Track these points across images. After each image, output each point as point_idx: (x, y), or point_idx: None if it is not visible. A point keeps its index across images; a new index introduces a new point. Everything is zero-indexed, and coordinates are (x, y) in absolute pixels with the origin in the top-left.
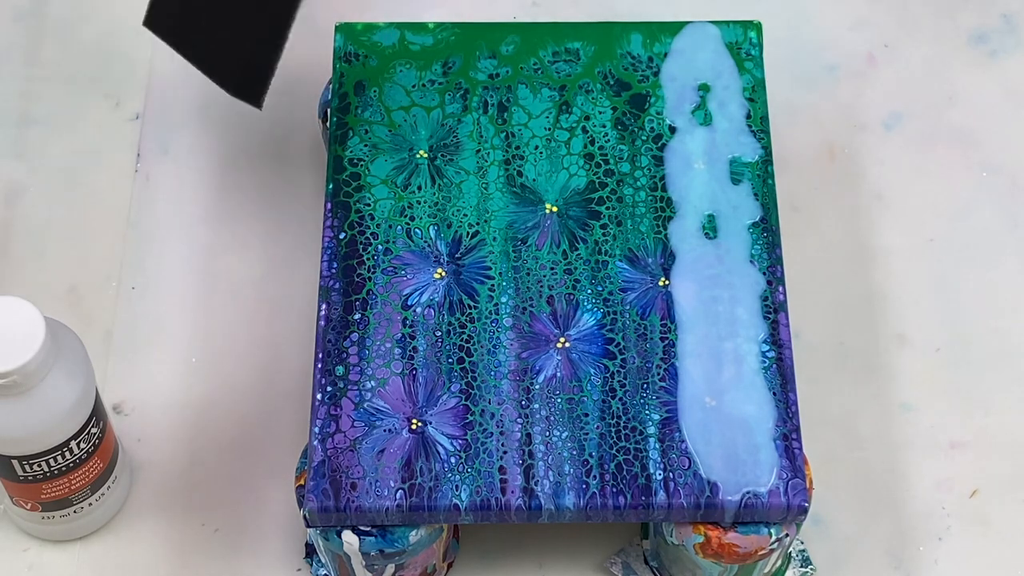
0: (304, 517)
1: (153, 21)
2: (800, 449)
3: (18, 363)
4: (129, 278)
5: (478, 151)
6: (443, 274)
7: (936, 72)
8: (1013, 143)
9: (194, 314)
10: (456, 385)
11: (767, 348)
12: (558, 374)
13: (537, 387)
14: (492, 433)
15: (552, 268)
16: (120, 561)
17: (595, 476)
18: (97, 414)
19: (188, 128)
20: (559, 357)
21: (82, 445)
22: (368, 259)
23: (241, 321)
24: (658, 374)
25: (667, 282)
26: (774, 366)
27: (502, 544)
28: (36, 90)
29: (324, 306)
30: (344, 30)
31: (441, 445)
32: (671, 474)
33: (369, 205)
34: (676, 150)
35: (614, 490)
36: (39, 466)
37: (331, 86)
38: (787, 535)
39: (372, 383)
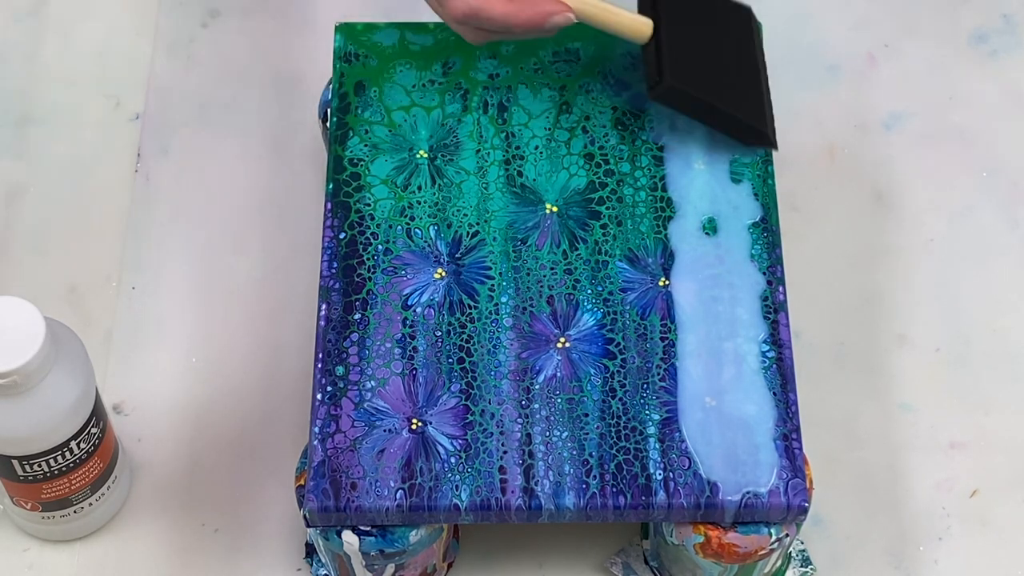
0: (304, 517)
1: (664, 94)
2: (800, 449)
3: (18, 363)
4: (129, 278)
5: (478, 151)
6: (443, 274)
7: (936, 72)
8: (1013, 143)
9: (194, 314)
10: (456, 385)
11: (767, 348)
12: (558, 374)
13: (537, 387)
14: (492, 433)
15: (552, 268)
16: (120, 561)
17: (595, 476)
18: (97, 414)
19: (188, 128)
20: (559, 357)
21: (82, 445)
22: (368, 259)
23: (241, 321)
24: (658, 374)
25: (667, 282)
26: (774, 366)
27: (502, 544)
28: (36, 90)
29: (324, 306)
30: (344, 30)
31: (441, 445)
32: (671, 474)
33: (369, 205)
34: (676, 150)
35: (614, 490)
36: (39, 466)
37: (331, 86)
38: (787, 535)
39: (372, 383)
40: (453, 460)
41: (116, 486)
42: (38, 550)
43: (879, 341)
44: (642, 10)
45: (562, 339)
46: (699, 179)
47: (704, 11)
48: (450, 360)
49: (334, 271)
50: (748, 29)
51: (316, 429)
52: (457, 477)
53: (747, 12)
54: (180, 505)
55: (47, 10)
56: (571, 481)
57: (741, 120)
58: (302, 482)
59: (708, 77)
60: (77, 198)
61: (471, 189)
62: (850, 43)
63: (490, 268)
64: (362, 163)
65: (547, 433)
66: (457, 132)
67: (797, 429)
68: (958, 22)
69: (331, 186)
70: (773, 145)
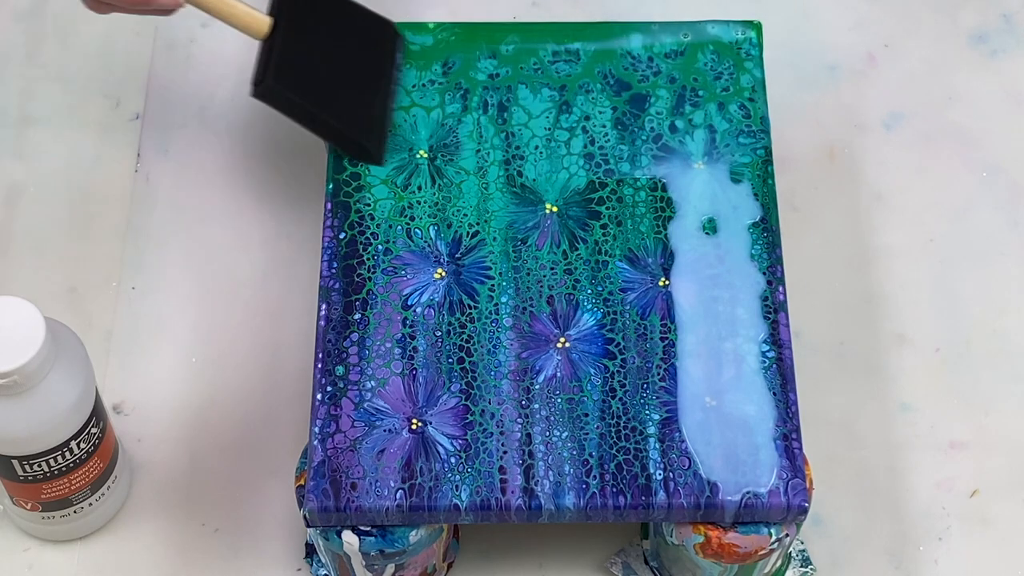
0: (304, 517)
1: (264, 94)
2: (800, 449)
3: (18, 363)
4: (129, 278)
5: (478, 151)
6: (443, 274)
7: (936, 72)
8: (1013, 143)
9: (194, 314)
10: (456, 385)
11: (767, 348)
12: (558, 374)
13: (537, 387)
14: (492, 433)
15: (552, 268)
16: (120, 561)
17: (595, 476)
18: (97, 414)
19: (188, 128)
20: (559, 357)
21: (82, 445)
22: (368, 259)
23: (241, 321)
24: (658, 374)
25: (667, 282)
26: (774, 366)
27: (502, 544)
28: (36, 90)
29: (324, 306)
30: None
31: (441, 445)
32: (671, 474)
33: (369, 205)
34: (676, 150)
35: (614, 490)
36: (39, 466)
37: None
38: (787, 535)
39: (372, 383)
40: (453, 460)
41: (116, 486)
42: (38, 550)
43: (879, 341)
44: (271, 9)
45: (562, 339)
46: (699, 179)
47: (337, 20)
48: (450, 360)
49: (334, 271)
50: (385, 43)
51: (316, 429)
52: (457, 477)
53: (389, 26)
54: (180, 505)
55: (47, 10)
56: (571, 481)
57: (342, 132)
58: (302, 482)
59: (318, 84)
60: (77, 198)
61: (471, 189)
62: (850, 43)
63: (490, 268)
64: (362, 163)
65: (547, 433)
66: (457, 132)
67: (797, 429)
68: (958, 22)
69: (331, 186)
70: (376, 161)
